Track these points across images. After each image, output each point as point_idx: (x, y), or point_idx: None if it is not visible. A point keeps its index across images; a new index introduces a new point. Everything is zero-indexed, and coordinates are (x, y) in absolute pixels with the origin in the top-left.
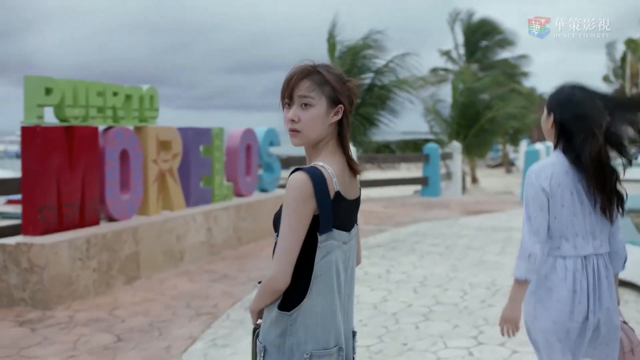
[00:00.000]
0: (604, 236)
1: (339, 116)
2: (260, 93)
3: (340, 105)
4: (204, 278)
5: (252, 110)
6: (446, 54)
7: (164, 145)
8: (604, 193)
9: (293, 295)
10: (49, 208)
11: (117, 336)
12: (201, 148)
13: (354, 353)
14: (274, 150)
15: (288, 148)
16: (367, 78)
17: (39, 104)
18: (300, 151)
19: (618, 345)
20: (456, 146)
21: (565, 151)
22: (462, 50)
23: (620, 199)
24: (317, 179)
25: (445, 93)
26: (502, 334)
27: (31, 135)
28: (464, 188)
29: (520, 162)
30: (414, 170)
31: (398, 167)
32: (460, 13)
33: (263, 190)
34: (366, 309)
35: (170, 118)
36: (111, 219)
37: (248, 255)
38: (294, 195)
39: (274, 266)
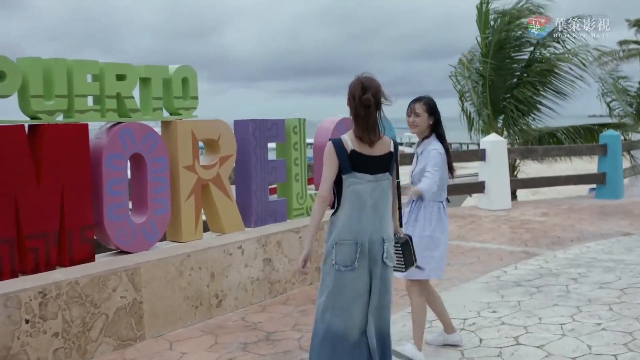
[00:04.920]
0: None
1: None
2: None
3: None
4: (236, 339)
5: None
6: (637, 24)
7: (208, 146)
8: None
9: (336, 207)
10: (1, 242)
11: None
12: (273, 146)
13: (383, 252)
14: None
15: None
16: (525, 52)
17: None
18: None
19: None
20: None
21: (439, 137)
22: None
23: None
24: (336, 143)
25: (631, 70)
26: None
27: None
28: None
29: None
30: (588, 164)
31: (566, 160)
32: None
33: None
34: None
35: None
36: (121, 251)
37: None
38: (325, 153)
39: (320, 187)
